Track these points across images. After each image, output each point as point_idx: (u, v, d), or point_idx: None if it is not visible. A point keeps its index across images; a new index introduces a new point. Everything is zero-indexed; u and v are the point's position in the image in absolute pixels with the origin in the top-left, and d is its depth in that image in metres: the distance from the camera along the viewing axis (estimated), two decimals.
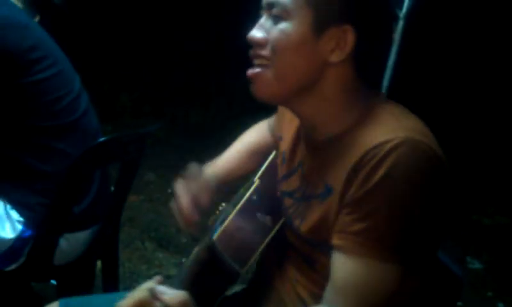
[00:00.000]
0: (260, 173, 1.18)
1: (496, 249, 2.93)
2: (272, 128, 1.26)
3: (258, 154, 1.26)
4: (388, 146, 0.82)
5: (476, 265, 2.83)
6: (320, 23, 0.87)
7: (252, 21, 0.95)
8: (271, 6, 0.90)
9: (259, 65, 0.92)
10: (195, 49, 4.55)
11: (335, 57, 0.89)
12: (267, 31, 0.90)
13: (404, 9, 2.73)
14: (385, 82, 2.72)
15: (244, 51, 0.95)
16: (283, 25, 0.88)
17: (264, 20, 0.92)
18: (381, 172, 0.81)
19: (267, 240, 1.01)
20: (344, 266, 0.85)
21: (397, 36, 2.51)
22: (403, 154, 0.81)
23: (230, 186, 1.26)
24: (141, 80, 4.45)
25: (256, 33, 0.91)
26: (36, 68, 1.37)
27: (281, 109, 1.15)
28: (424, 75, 3.75)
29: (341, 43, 0.88)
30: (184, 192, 1.15)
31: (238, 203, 1.09)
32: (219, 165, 1.25)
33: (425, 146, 0.83)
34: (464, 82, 3.81)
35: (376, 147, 0.83)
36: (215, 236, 1.01)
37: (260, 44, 0.90)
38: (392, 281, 0.83)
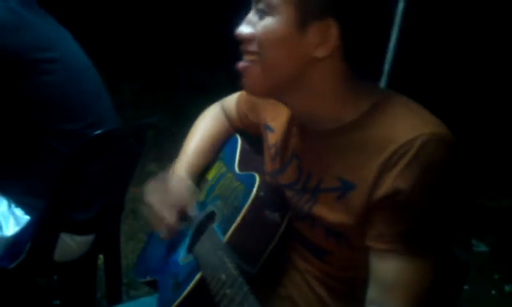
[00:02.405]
0: (236, 163, 1.15)
1: (502, 231, 2.91)
2: (235, 113, 1.25)
3: (217, 144, 1.26)
4: (418, 142, 0.81)
5: (482, 247, 2.81)
6: (303, 19, 0.86)
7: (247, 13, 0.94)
8: (257, 1, 0.89)
9: (248, 59, 0.91)
10: (196, 39, 4.53)
11: (321, 52, 0.87)
12: (254, 26, 0.89)
13: None
14: (386, 66, 2.70)
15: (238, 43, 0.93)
16: (267, 21, 0.88)
17: (251, 15, 0.91)
18: (417, 170, 0.81)
19: (278, 237, 0.97)
20: (391, 268, 0.85)
21: (397, 17, 2.49)
22: (434, 149, 0.81)
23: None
24: (141, 70, 4.43)
25: (243, 29, 0.91)
26: (40, 68, 1.35)
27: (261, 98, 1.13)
28: (426, 57, 3.72)
29: (325, 37, 0.86)
30: (160, 201, 1.13)
31: (228, 196, 1.06)
32: (183, 163, 1.23)
33: (450, 139, 0.84)
34: (467, 65, 3.77)
35: (405, 144, 0.82)
36: (226, 238, 0.97)
37: (248, 39, 0.90)
38: (433, 272, 0.85)
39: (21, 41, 1.31)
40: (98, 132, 1.36)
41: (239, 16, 0.92)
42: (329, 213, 0.92)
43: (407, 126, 0.84)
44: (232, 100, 1.28)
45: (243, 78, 0.93)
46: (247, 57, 0.91)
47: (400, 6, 2.37)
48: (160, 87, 4.33)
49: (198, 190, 1.21)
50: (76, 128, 1.40)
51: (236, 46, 0.93)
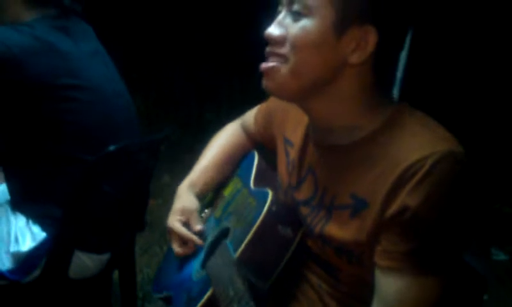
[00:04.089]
0: (252, 180, 1.15)
1: None
2: (254, 128, 1.24)
3: (234, 159, 1.25)
4: (431, 160, 0.80)
5: (501, 256, 2.76)
6: (343, 23, 0.84)
7: (262, 21, 0.92)
8: (291, 2, 0.87)
9: (274, 60, 0.88)
10: (206, 50, 4.55)
11: (355, 58, 0.86)
12: (285, 28, 0.87)
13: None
14: (399, 73, 2.68)
15: (256, 51, 0.92)
16: (304, 22, 0.85)
17: (282, 17, 0.88)
18: (427, 188, 0.80)
19: (290, 252, 0.97)
20: (395, 285, 0.84)
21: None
22: (447, 168, 0.80)
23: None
24: (154, 83, 4.45)
25: (274, 30, 0.88)
26: (62, 94, 1.35)
27: (279, 109, 1.13)
28: (439, 68, 3.69)
29: (362, 43, 0.85)
30: (180, 228, 1.17)
31: (242, 212, 1.06)
32: (199, 179, 1.24)
33: (463, 157, 0.82)
34: (481, 72, 3.73)
35: (417, 162, 0.81)
36: (237, 253, 0.97)
37: (278, 41, 0.87)
38: (440, 291, 0.84)
39: (43, 66, 1.31)
40: (112, 148, 1.36)
41: (251, 26, 0.91)
42: (341, 231, 0.90)
43: (420, 143, 0.83)
44: (250, 114, 1.27)
45: (267, 80, 0.90)
46: (274, 59, 0.89)
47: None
48: (172, 99, 4.34)
49: (201, 205, 1.22)
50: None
51: (249, 56, 0.91)
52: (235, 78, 4.25)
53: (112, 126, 1.45)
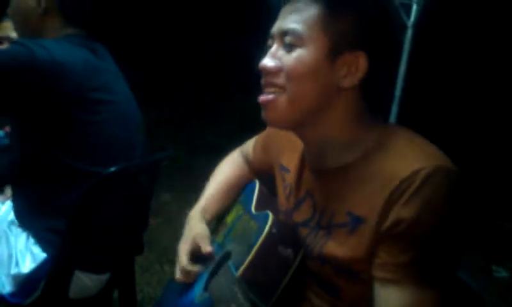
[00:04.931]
0: (253, 205, 1.17)
1: None
2: (253, 157, 1.27)
3: (236, 188, 1.28)
4: (422, 174, 0.83)
5: (502, 273, 2.75)
6: (335, 50, 0.88)
7: (261, 46, 0.95)
8: (283, 34, 0.91)
9: (272, 92, 0.92)
10: (208, 70, 4.58)
11: (347, 83, 0.89)
12: (279, 59, 0.91)
13: (413, 18, 2.72)
14: (397, 91, 2.70)
15: (256, 73, 0.94)
16: (297, 53, 0.89)
17: (275, 49, 0.92)
18: (420, 200, 0.82)
19: (291, 273, 0.98)
20: (393, 297, 0.85)
21: (406, 44, 2.51)
22: (439, 181, 0.83)
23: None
24: (155, 102, 4.48)
25: (268, 62, 0.92)
26: (93, 109, 1.37)
27: (273, 138, 1.17)
28: (437, 81, 3.71)
29: (353, 68, 0.89)
30: (187, 255, 1.16)
31: (244, 236, 1.07)
32: (208, 207, 1.25)
33: (453, 172, 0.85)
34: (482, 83, 3.75)
35: (409, 177, 0.83)
36: (239, 273, 0.97)
37: (273, 72, 0.91)
38: (437, 302, 0.85)
39: (81, 78, 1.34)
40: (113, 169, 1.37)
41: (250, 47, 0.94)
42: (340, 249, 0.92)
43: (412, 159, 0.86)
44: (249, 144, 1.31)
45: (266, 112, 0.94)
46: (271, 90, 0.92)
47: (409, 32, 2.39)
48: (174, 118, 4.37)
49: (210, 232, 1.22)
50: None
51: (249, 78, 0.95)
52: (235, 99, 4.28)
53: (128, 143, 1.48)
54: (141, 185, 1.54)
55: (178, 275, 1.17)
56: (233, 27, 4.31)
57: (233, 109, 4.37)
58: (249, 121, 1.35)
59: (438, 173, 0.83)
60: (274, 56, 0.91)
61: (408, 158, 0.86)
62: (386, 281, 0.86)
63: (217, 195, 1.27)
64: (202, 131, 4.24)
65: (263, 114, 0.94)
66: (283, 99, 0.90)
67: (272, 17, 0.96)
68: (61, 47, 1.35)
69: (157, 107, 4.40)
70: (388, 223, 0.85)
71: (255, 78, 0.97)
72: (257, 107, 0.97)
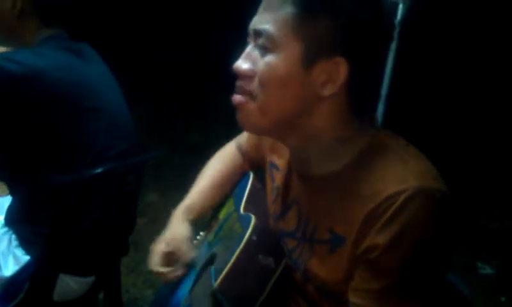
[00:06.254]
0: (243, 203, 1.12)
1: (506, 253, 2.88)
2: (248, 148, 1.21)
3: (231, 181, 1.21)
4: (403, 197, 0.76)
5: (487, 270, 2.78)
6: (310, 56, 0.80)
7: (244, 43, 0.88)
8: (257, 35, 0.83)
9: (244, 96, 0.85)
10: (192, 67, 4.56)
11: (326, 91, 0.82)
12: (254, 62, 0.84)
13: (399, 17, 2.73)
14: (384, 90, 2.70)
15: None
16: (269, 58, 0.81)
17: (250, 49, 0.85)
18: (397, 226, 0.77)
19: (271, 283, 0.93)
20: None
21: (392, 43, 2.50)
22: (418, 206, 0.76)
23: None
24: (140, 99, 4.44)
25: (242, 64, 0.85)
26: (86, 116, 1.35)
27: None
28: (423, 80, 3.73)
29: (333, 75, 0.81)
30: (165, 257, 1.13)
31: (227, 238, 1.03)
32: (195, 204, 1.20)
33: (438, 194, 0.78)
34: (467, 83, 3.78)
35: (389, 198, 0.77)
36: (216, 283, 0.93)
37: (247, 76, 0.84)
38: None
39: (67, 85, 1.31)
40: (98, 170, 1.35)
41: (239, 44, 0.90)
42: (321, 268, 0.88)
43: (395, 177, 0.79)
44: (244, 135, 1.24)
45: (239, 114, 0.87)
46: (243, 95, 0.85)
47: (396, 31, 2.39)
48: (158, 116, 4.34)
49: (193, 233, 1.18)
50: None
51: (235, 75, 0.89)
52: (221, 97, 4.27)
53: (119, 147, 1.45)
54: (128, 186, 1.51)
55: (162, 279, 1.15)
56: (218, 22, 4.29)
57: (218, 107, 4.35)
58: (234, 120, 1.34)
59: (420, 195, 0.76)
60: (248, 57, 0.84)
61: (391, 176, 0.79)
62: (358, 306, 0.81)
63: (205, 192, 1.21)
64: (186, 130, 4.21)
65: (237, 115, 0.88)
66: (253, 105, 0.84)
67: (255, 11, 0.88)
68: (34, 55, 1.31)
69: (141, 105, 4.37)
70: (363, 247, 0.79)
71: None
72: None
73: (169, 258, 1.14)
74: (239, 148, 1.24)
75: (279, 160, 1.04)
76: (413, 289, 0.79)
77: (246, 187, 1.17)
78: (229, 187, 1.22)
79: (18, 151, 1.37)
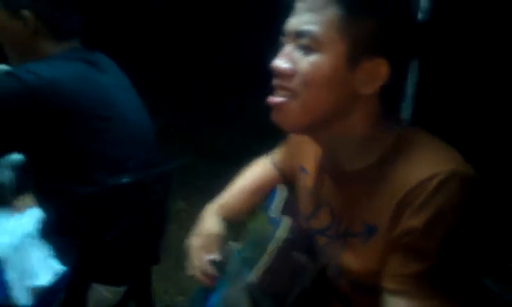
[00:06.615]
0: (277, 208, 1.14)
1: None
2: (280, 163, 1.23)
3: (263, 191, 1.23)
4: (436, 181, 0.78)
5: None
6: (354, 57, 0.83)
7: (271, 46, 0.90)
8: (299, 35, 0.85)
9: (283, 95, 0.87)
10: (216, 73, 4.58)
11: (366, 90, 0.85)
12: (294, 62, 0.85)
13: (423, 12, 2.68)
14: (410, 89, 2.67)
15: (268, 77, 0.92)
16: (314, 57, 0.83)
17: (289, 49, 0.86)
18: (431, 209, 0.78)
19: (306, 280, 0.96)
20: None
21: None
22: (453, 188, 0.78)
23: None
24: (165, 108, 4.49)
25: (282, 63, 0.86)
26: (99, 126, 1.36)
27: (296, 141, 1.13)
28: (451, 79, 3.67)
29: (374, 76, 0.84)
30: (197, 251, 1.15)
31: (260, 241, 1.05)
32: (224, 206, 1.22)
33: (471, 177, 0.80)
34: (500, 80, 3.69)
35: (422, 183, 0.79)
36: (252, 281, 0.96)
37: (287, 75, 0.85)
38: None
39: (80, 97, 1.32)
40: (125, 180, 1.36)
41: (260, 49, 0.91)
42: (355, 261, 0.90)
43: (426, 164, 0.81)
44: (277, 150, 1.27)
45: (277, 114, 0.89)
46: (283, 93, 0.87)
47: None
48: (183, 124, 4.37)
49: (225, 229, 1.20)
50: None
51: (261, 81, 0.91)
52: (245, 102, 4.28)
53: (137, 156, 1.46)
54: (154, 194, 1.53)
55: (191, 272, 1.16)
56: (243, 27, 4.31)
57: (243, 112, 4.36)
58: (259, 125, 1.34)
59: (454, 178, 0.78)
60: (288, 57, 0.86)
61: (422, 163, 0.82)
62: (396, 292, 0.82)
63: (239, 194, 1.24)
64: (212, 137, 4.23)
65: (273, 115, 0.90)
66: (295, 104, 0.85)
67: (285, 14, 0.90)
68: (50, 66, 1.33)
69: (166, 113, 4.41)
70: (398, 231, 0.81)
71: (265, 81, 0.94)
72: (268, 111, 0.93)
73: (203, 251, 1.16)
74: (272, 161, 1.27)
75: (308, 164, 1.06)
76: (448, 274, 0.80)
77: (276, 197, 1.19)
78: (261, 196, 1.23)
79: (41, 163, 1.39)
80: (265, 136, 1.30)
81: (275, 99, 0.88)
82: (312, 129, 0.90)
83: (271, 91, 0.91)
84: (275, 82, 0.88)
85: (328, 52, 0.83)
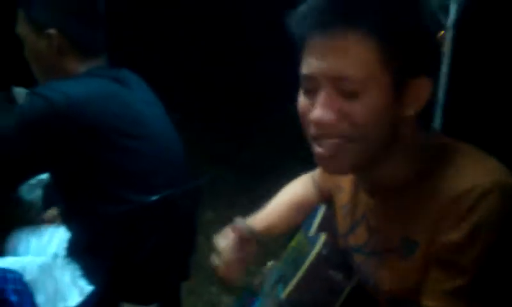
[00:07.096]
0: (315, 226, 1.12)
1: None
2: (319, 182, 1.22)
3: (302, 209, 1.22)
4: (476, 193, 0.76)
5: None
6: (399, 82, 0.81)
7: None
8: (337, 80, 0.80)
9: (334, 143, 0.83)
10: (241, 85, 4.60)
11: (411, 111, 0.83)
12: (338, 108, 0.81)
13: (452, 16, 2.62)
14: (440, 94, 2.61)
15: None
16: (364, 101, 0.80)
17: (328, 97, 0.81)
18: (472, 222, 0.75)
19: (342, 298, 0.94)
20: None
21: (447, 47, 2.41)
22: (494, 201, 0.76)
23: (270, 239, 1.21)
24: (192, 123, 4.51)
25: (324, 115, 0.82)
26: (126, 143, 1.36)
27: None
28: (482, 84, 3.58)
29: (418, 95, 0.82)
30: (226, 248, 1.14)
31: (296, 258, 1.03)
32: (262, 218, 1.21)
33: (510, 187, 0.77)
34: None
35: (461, 195, 0.77)
36: (284, 295, 0.95)
37: (333, 125, 0.82)
38: None
39: (107, 114, 1.33)
40: (154, 198, 1.36)
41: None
42: (391, 278, 0.88)
43: (465, 176, 0.79)
44: (318, 170, 1.25)
45: (331, 163, 0.86)
46: (331, 142, 0.83)
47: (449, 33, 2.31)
48: (211, 138, 4.39)
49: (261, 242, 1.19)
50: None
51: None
52: (271, 114, 4.27)
53: (166, 173, 1.45)
54: (185, 209, 1.51)
55: (217, 262, 1.16)
56: (268, 44, 4.32)
57: (269, 124, 4.35)
58: (285, 137, 1.33)
59: (495, 190, 0.76)
60: (328, 106, 0.81)
61: (461, 175, 0.80)
62: None
63: (279, 210, 1.23)
64: (238, 149, 4.24)
65: (324, 166, 0.87)
66: (352, 147, 0.82)
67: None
68: (77, 84, 1.33)
69: (194, 127, 4.44)
70: (436, 246, 0.79)
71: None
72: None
73: (235, 246, 1.16)
74: (313, 180, 1.26)
75: (344, 182, 1.05)
76: (487, 288, 0.78)
77: (315, 216, 1.19)
78: (300, 216, 1.22)
79: (68, 182, 1.39)
80: (289, 150, 1.28)
81: (325, 150, 0.84)
82: (365, 164, 0.88)
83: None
84: (317, 132, 0.84)
85: (374, 89, 0.80)
